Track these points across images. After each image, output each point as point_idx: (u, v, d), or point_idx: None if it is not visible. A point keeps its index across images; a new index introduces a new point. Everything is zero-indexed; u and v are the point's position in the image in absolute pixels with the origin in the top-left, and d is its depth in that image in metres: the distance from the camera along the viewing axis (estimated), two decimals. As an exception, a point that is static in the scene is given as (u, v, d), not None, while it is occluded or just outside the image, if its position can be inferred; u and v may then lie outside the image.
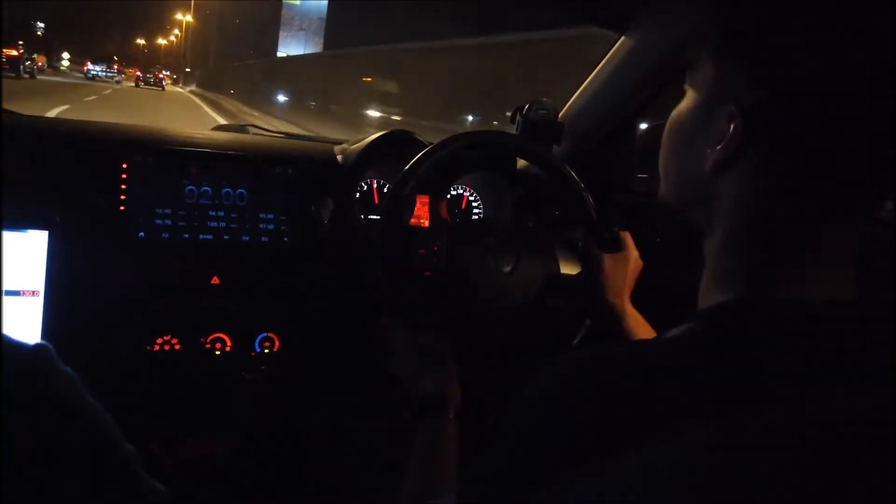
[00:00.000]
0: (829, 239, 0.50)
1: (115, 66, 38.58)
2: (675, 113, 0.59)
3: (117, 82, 35.67)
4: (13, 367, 0.49)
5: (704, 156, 0.53)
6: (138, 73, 39.10)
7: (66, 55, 43.94)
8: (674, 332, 0.50)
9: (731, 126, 0.50)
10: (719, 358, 0.46)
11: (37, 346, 0.53)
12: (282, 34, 78.73)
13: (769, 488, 0.39)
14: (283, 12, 78.11)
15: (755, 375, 0.45)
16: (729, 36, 0.53)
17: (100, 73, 36.36)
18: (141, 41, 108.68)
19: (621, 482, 0.43)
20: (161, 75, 39.14)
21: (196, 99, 28.32)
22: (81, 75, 35.57)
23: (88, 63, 37.11)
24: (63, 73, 37.48)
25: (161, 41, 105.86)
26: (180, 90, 42.81)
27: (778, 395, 0.43)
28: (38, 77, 23.75)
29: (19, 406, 0.47)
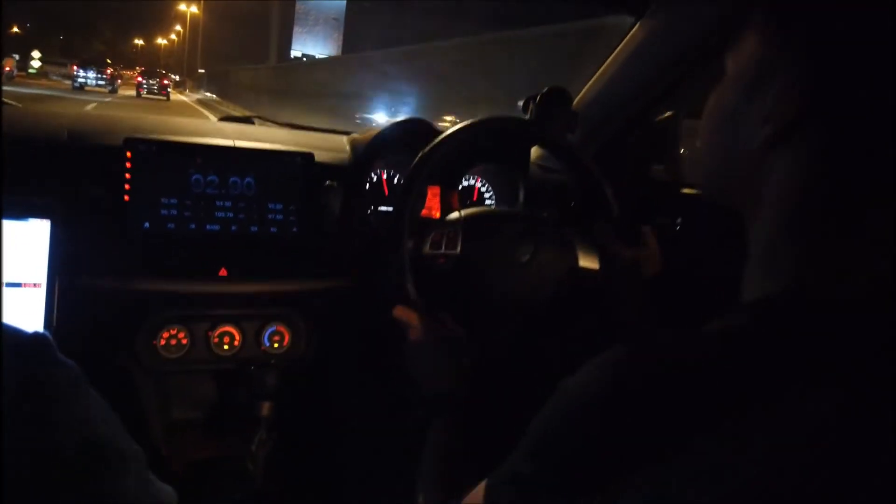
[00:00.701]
0: (881, 219, 0.46)
1: (109, 71, 29.31)
2: (715, 94, 0.56)
3: (112, 91, 27.70)
4: (12, 354, 0.47)
5: (752, 133, 0.50)
6: (139, 78, 30.72)
7: (36, 54, 32.61)
8: (721, 323, 0.47)
9: (784, 99, 0.47)
10: (774, 353, 0.43)
11: (36, 334, 0.50)
12: (296, 30, 66.48)
13: (822, 484, 0.37)
14: (298, 7, 66.06)
15: (809, 371, 0.42)
16: (781, 2, 0.50)
17: (90, 81, 27.69)
18: (139, 41, 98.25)
19: (672, 482, 0.41)
20: (166, 81, 31.32)
21: (208, 113, 21.69)
22: (69, 81, 27.74)
23: (75, 67, 28.38)
24: (40, 80, 29.27)
25: (161, 41, 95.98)
26: (185, 99, 35.68)
27: (830, 392, 0.41)
28: (5, 87, 19.53)
29: (19, 396, 0.45)
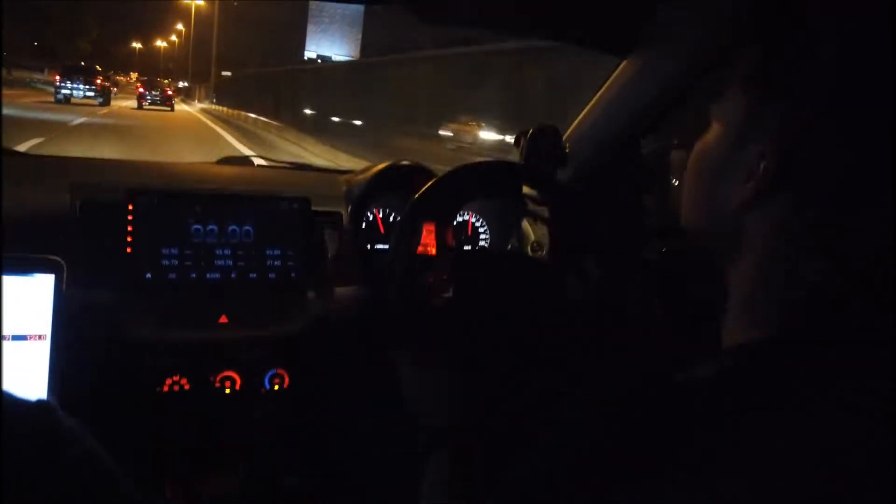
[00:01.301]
0: (862, 268, 0.48)
1: (98, 81, 23.26)
2: (700, 144, 0.58)
3: (103, 103, 22.62)
4: (16, 425, 0.48)
5: (732, 191, 0.52)
6: (140, 88, 27.60)
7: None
8: (703, 370, 0.49)
9: (763, 164, 0.49)
10: (755, 401, 0.45)
11: (38, 401, 0.52)
12: (310, 29, 56.68)
13: None
14: (311, 3, 55.42)
15: (793, 419, 0.43)
16: (763, 64, 0.51)
17: (77, 93, 21.98)
18: (136, 44, 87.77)
19: None
20: (170, 92, 28.39)
21: (217, 128, 18.48)
22: (52, 90, 22.17)
23: (57, 76, 22.33)
24: (22, 91, 24.72)
25: (160, 43, 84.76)
26: (188, 109, 32.78)
27: (818, 441, 0.42)
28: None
29: (25, 463, 0.47)
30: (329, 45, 55.54)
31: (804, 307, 0.49)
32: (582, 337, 1.09)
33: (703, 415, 0.45)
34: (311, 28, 56.73)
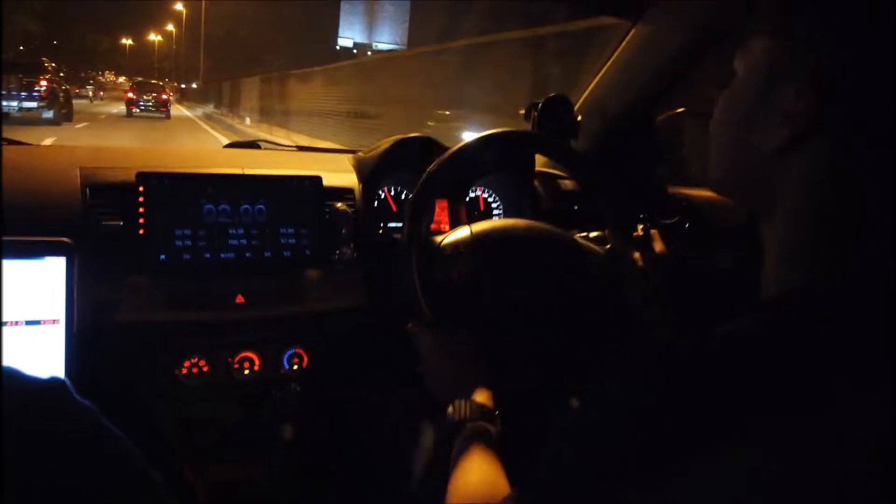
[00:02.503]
0: None
1: (45, 84, 12.79)
2: (726, 93, 0.56)
3: (54, 120, 12.70)
4: (27, 401, 0.47)
5: (765, 137, 0.50)
6: (130, 93, 22.24)
7: None
8: (740, 323, 0.47)
9: (801, 102, 0.47)
10: (798, 350, 0.43)
11: (50, 379, 0.51)
12: (343, 15, 41.13)
13: (857, 488, 0.37)
14: None
15: (838, 367, 0.41)
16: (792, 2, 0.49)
17: (13, 107, 12.30)
18: (127, 41, 73.38)
19: (700, 488, 0.40)
20: (165, 96, 22.87)
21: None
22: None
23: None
24: None
25: (154, 37, 71.58)
26: (188, 114, 27.25)
27: (864, 389, 0.40)
28: None
29: (37, 441, 0.46)
30: (361, 30, 39.92)
31: (844, 255, 0.47)
32: (605, 309, 1.07)
33: (751, 365, 0.43)
34: (344, 8, 40.11)
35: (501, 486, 0.73)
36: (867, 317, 0.43)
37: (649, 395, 0.45)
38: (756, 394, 0.42)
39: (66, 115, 14.15)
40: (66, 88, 16.03)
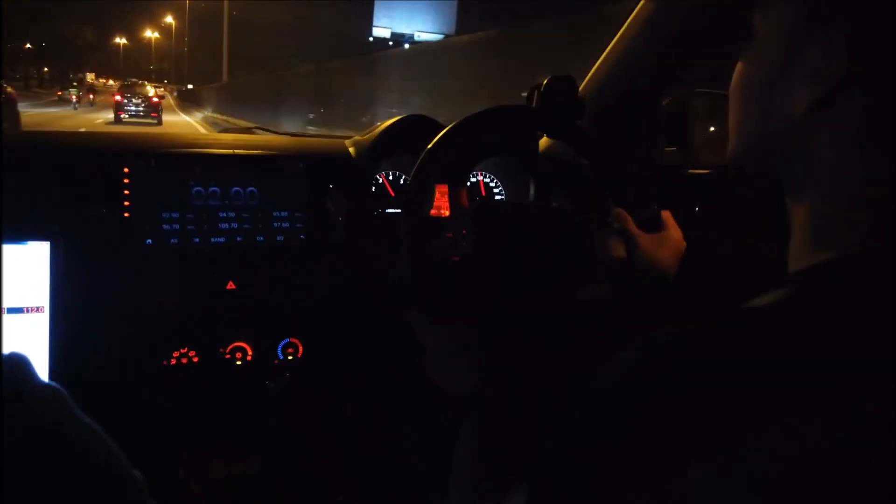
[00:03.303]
0: None
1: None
2: (745, 58, 0.52)
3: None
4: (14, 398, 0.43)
5: (794, 97, 0.46)
6: (118, 97, 20.30)
7: None
8: (767, 298, 0.43)
9: (832, 55, 0.43)
10: (831, 325, 0.39)
11: (11, 354, 0.47)
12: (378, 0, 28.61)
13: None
14: None
15: (873, 343, 0.38)
16: None
17: None
18: (121, 40, 67.06)
19: (726, 474, 0.36)
20: (156, 99, 20.88)
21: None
22: None
23: None
24: None
25: (150, 34, 64.99)
26: (188, 119, 24.59)
27: None
28: None
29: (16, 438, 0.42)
30: (400, 19, 28.68)
31: (881, 223, 0.43)
32: (610, 295, 1.03)
33: (771, 347, 0.40)
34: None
35: (506, 474, 0.70)
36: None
37: (668, 381, 0.41)
38: (788, 373, 0.38)
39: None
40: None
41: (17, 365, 0.46)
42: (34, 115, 15.78)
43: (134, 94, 20.66)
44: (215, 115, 22.23)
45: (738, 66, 0.53)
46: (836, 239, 0.45)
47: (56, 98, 20.22)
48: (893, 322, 0.38)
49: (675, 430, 0.39)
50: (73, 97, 25.29)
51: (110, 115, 19.79)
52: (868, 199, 0.44)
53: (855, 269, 0.42)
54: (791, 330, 0.40)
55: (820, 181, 0.47)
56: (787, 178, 0.50)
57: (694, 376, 0.40)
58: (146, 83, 26.72)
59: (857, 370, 0.37)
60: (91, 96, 28.50)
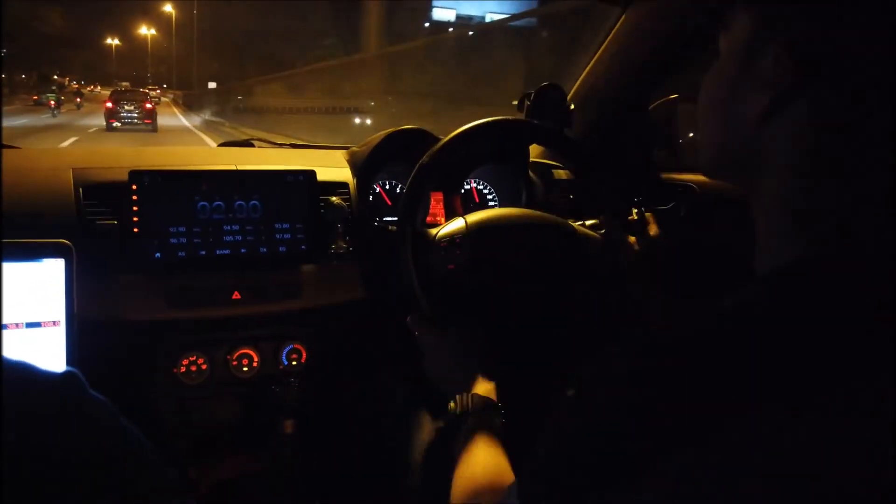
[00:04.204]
0: (885, 176, 0.46)
1: None
2: (711, 72, 0.56)
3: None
4: (44, 396, 0.47)
5: (750, 104, 0.50)
6: (109, 103, 19.16)
7: None
8: (738, 297, 0.46)
9: (779, 65, 0.47)
10: (798, 325, 0.42)
11: (66, 372, 0.51)
12: None
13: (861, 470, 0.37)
14: None
15: (837, 344, 0.41)
16: None
17: None
18: (113, 41, 62.10)
19: (700, 470, 0.40)
20: (149, 105, 19.67)
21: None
22: None
23: None
24: None
25: (146, 30, 58.55)
26: (186, 124, 22.81)
27: (864, 364, 0.40)
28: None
29: (56, 435, 0.45)
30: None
31: (834, 224, 0.47)
32: (603, 295, 1.07)
33: (748, 341, 0.43)
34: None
35: (505, 475, 0.73)
36: (865, 287, 0.43)
37: (647, 378, 0.45)
38: (754, 371, 0.41)
39: None
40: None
41: (74, 378, 0.50)
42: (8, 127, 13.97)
43: (126, 101, 19.56)
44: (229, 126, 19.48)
45: (706, 80, 0.56)
46: (793, 242, 0.48)
47: (32, 103, 17.93)
48: (846, 320, 0.42)
49: (657, 418, 0.43)
50: (52, 103, 21.86)
51: (99, 123, 18.89)
52: (818, 204, 0.47)
53: (811, 272, 0.45)
54: (750, 329, 0.43)
55: (775, 188, 0.50)
56: (751, 184, 0.52)
57: (668, 374, 0.44)
58: (140, 89, 24.13)
59: (813, 369, 0.40)
60: (78, 100, 26.46)
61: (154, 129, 18.82)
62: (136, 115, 18.76)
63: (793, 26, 0.47)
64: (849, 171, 0.46)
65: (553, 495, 0.50)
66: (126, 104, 19.09)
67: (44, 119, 17.70)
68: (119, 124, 18.29)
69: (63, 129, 15.65)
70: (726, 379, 0.42)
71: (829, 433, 0.38)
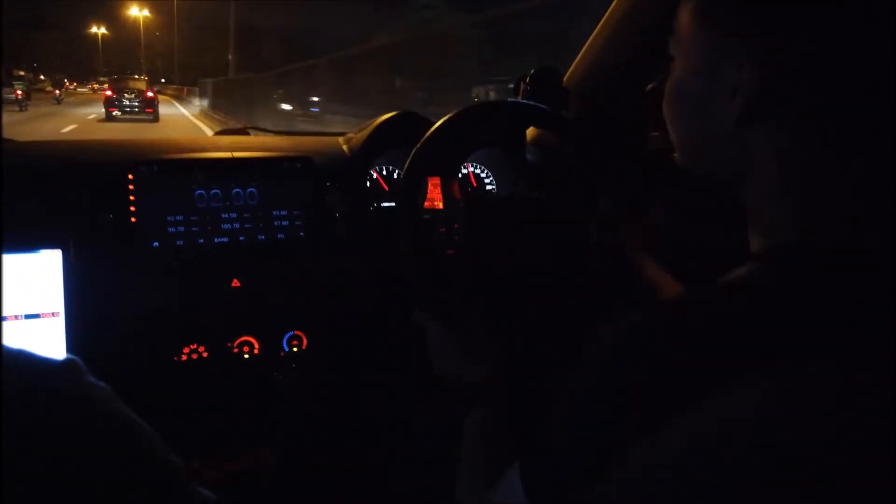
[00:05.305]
0: (871, 172, 0.49)
1: None
2: (671, 82, 0.58)
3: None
4: (43, 381, 0.47)
5: (723, 112, 0.51)
6: (108, 91, 18.88)
7: None
8: (733, 276, 0.49)
9: (744, 74, 0.49)
10: (785, 302, 0.45)
11: (67, 360, 0.51)
12: None
13: (855, 437, 0.37)
14: None
15: (822, 320, 0.43)
16: None
17: None
18: (99, 28, 55.36)
19: (695, 436, 0.41)
20: (151, 94, 19.11)
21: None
22: None
23: None
24: None
25: (138, 11, 51.52)
26: (188, 116, 21.47)
27: (850, 341, 0.42)
28: None
29: (50, 426, 0.45)
30: None
31: (817, 213, 0.49)
32: (602, 276, 1.07)
33: (738, 320, 0.45)
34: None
35: (510, 457, 0.74)
36: (854, 267, 0.45)
37: (647, 351, 0.46)
38: (747, 341, 0.43)
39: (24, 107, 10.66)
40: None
41: (74, 364, 0.50)
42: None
43: (126, 90, 18.96)
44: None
45: (668, 87, 0.59)
46: (780, 230, 0.51)
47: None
48: (837, 298, 0.44)
49: (658, 387, 0.45)
50: (19, 93, 18.99)
51: (98, 112, 18.06)
52: (800, 195, 0.50)
53: (791, 255, 0.48)
54: (746, 303, 0.45)
55: (760, 183, 0.52)
56: (734, 178, 0.55)
57: (667, 348, 0.45)
58: (141, 77, 23.00)
59: (801, 338, 0.42)
60: (57, 92, 24.61)
61: (155, 118, 18.36)
62: (136, 103, 18.31)
63: (754, 38, 0.49)
64: (826, 167, 0.49)
65: (556, 473, 0.51)
66: (127, 93, 18.67)
67: (10, 112, 15.94)
68: (119, 113, 17.94)
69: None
70: (723, 349, 0.43)
71: (821, 404, 0.39)
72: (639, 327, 0.48)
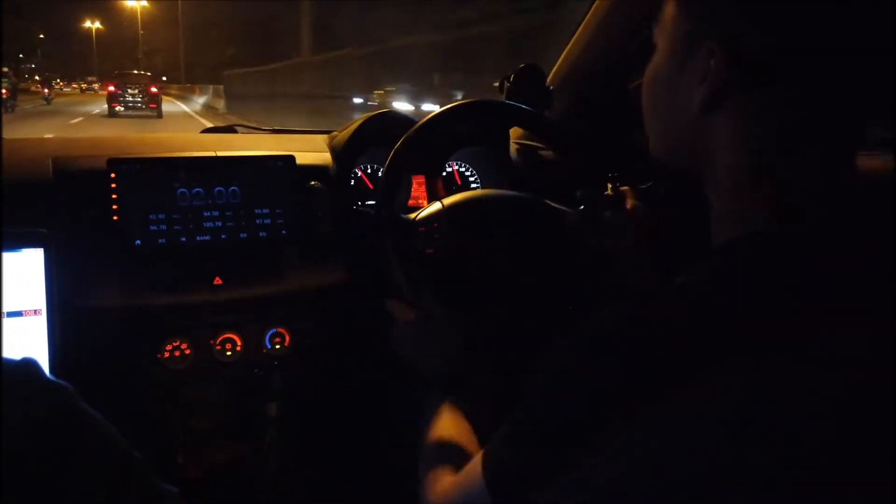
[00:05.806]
0: (830, 164, 0.49)
1: None
2: (649, 68, 0.59)
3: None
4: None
5: (689, 98, 0.52)
6: (112, 87, 18.77)
7: None
8: (696, 271, 0.50)
9: (712, 62, 0.50)
10: (749, 294, 0.45)
11: (23, 360, 0.51)
12: None
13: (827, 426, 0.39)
14: None
15: (787, 310, 0.44)
16: None
17: None
18: (93, 23, 53.43)
19: (672, 425, 0.42)
20: (154, 89, 18.86)
21: None
22: None
23: None
24: None
25: (135, 2, 48.55)
26: (189, 113, 21.45)
27: (814, 329, 0.43)
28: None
29: (11, 421, 0.46)
30: None
31: (771, 204, 0.50)
32: (582, 270, 1.08)
33: (704, 313, 0.46)
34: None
35: (471, 441, 0.75)
36: (811, 257, 0.46)
37: (616, 343, 0.47)
38: (711, 335, 0.44)
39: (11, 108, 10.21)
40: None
41: (30, 365, 0.50)
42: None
43: (130, 85, 18.67)
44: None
45: (646, 75, 0.60)
46: (741, 221, 0.52)
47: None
48: (794, 288, 0.44)
49: (613, 391, 0.46)
50: (5, 92, 17.50)
51: (99, 107, 17.67)
52: (760, 187, 0.50)
53: (748, 246, 0.49)
54: (706, 302, 0.46)
55: (721, 173, 0.53)
56: (698, 170, 0.56)
57: (628, 344, 0.47)
58: (145, 72, 23.00)
59: (770, 326, 0.43)
60: (46, 91, 23.74)
61: (159, 114, 18.11)
62: (140, 99, 18.10)
63: (726, 25, 0.49)
64: (785, 158, 0.50)
65: (520, 460, 0.52)
66: (130, 87, 18.45)
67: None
68: (122, 108, 17.82)
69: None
70: (684, 344, 0.44)
71: (784, 392, 0.40)
72: (602, 325, 0.50)
